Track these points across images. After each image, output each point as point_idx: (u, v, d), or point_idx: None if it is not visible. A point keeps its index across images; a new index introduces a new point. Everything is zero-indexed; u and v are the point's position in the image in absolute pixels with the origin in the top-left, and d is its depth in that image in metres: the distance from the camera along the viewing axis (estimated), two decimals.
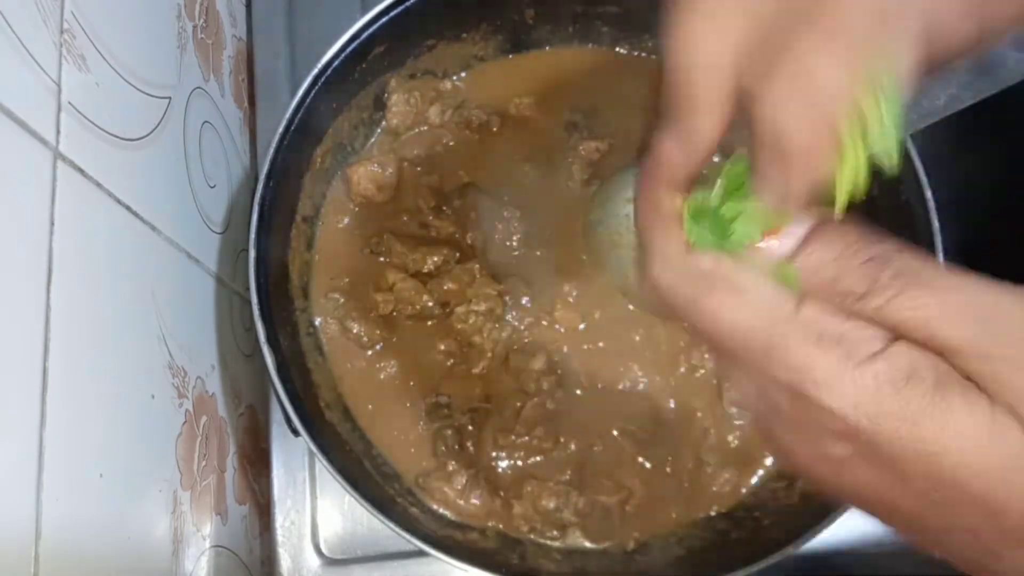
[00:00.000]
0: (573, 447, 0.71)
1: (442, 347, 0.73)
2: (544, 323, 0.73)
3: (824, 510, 0.60)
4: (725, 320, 0.31)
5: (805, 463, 0.32)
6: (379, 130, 0.78)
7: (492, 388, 0.71)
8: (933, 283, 0.29)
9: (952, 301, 0.28)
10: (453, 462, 0.69)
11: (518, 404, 0.69)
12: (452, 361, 0.73)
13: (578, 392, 0.71)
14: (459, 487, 0.69)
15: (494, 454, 0.71)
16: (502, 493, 0.70)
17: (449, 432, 0.70)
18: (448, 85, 0.79)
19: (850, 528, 0.74)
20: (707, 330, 0.32)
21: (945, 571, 0.31)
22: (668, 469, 0.71)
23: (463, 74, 0.80)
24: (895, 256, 0.30)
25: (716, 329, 0.32)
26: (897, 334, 0.29)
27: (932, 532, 0.30)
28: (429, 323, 0.73)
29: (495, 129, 0.78)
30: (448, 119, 0.78)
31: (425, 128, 0.78)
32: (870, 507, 0.31)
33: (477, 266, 0.73)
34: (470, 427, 0.70)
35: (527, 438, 0.70)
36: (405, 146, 0.78)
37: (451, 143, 0.78)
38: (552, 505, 0.68)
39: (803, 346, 0.29)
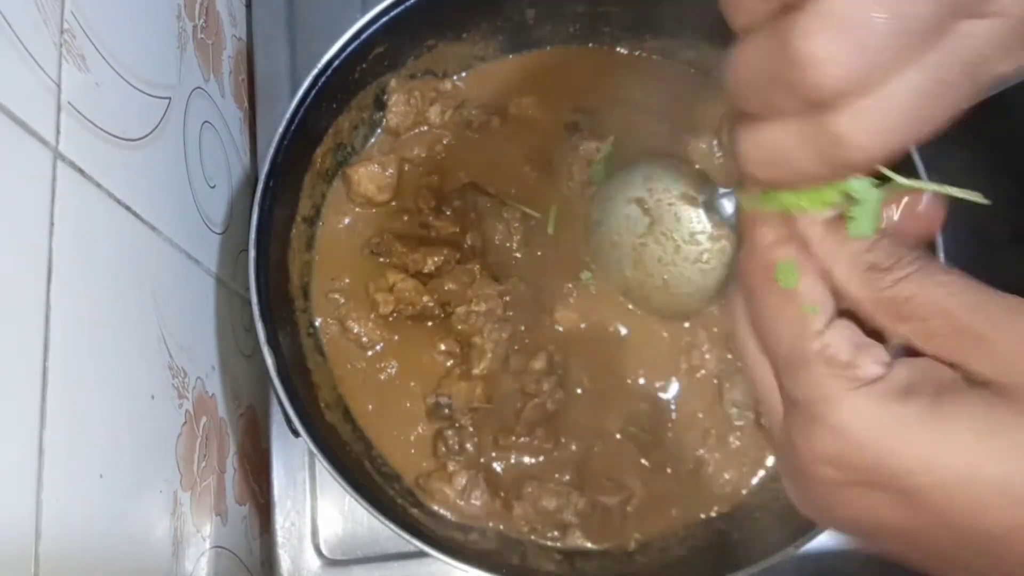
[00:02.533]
0: (574, 447, 0.71)
1: (442, 347, 0.73)
2: (544, 323, 0.73)
3: None
4: (766, 318, 0.33)
5: (799, 482, 0.33)
6: (379, 130, 0.78)
7: (492, 388, 0.71)
8: (947, 272, 0.31)
9: (960, 286, 0.30)
10: (453, 463, 0.69)
11: (518, 405, 0.69)
12: (452, 361, 0.73)
13: (578, 392, 0.71)
14: (459, 488, 0.69)
15: (494, 454, 0.71)
16: (502, 494, 0.69)
17: (450, 433, 0.70)
18: (448, 85, 0.79)
19: None
20: (753, 322, 0.34)
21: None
22: (669, 470, 0.71)
23: (463, 74, 0.80)
24: (912, 249, 0.32)
25: (758, 323, 0.33)
26: (911, 313, 0.30)
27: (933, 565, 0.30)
28: (429, 323, 0.73)
29: (495, 129, 0.78)
30: (448, 119, 0.78)
31: (425, 128, 0.78)
32: (860, 534, 0.32)
33: (477, 266, 0.73)
34: (470, 428, 0.70)
35: (527, 438, 0.70)
36: (405, 146, 0.78)
37: (451, 143, 0.78)
38: (552, 506, 0.68)
39: (817, 366, 0.30)
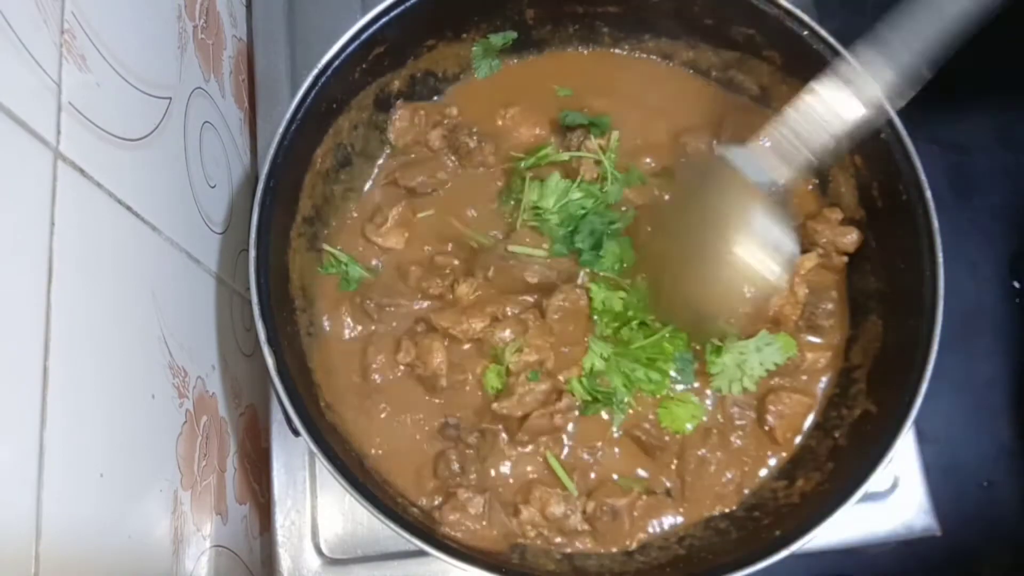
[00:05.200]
0: (579, 451, 0.71)
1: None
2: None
3: (824, 510, 0.60)
4: None
5: None
6: (386, 150, 0.79)
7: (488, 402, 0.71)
8: None
9: None
10: (465, 489, 0.68)
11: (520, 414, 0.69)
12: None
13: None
14: (476, 512, 0.68)
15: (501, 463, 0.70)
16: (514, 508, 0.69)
17: (453, 456, 0.69)
18: (454, 111, 0.79)
19: (850, 528, 0.74)
20: None
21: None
22: (673, 470, 0.71)
23: (462, 77, 0.80)
24: None
25: None
26: None
27: None
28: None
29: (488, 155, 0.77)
30: (446, 145, 0.78)
31: (425, 150, 0.78)
32: None
33: (531, 317, 0.71)
34: (472, 451, 0.70)
35: (532, 447, 0.70)
36: (407, 174, 0.77)
37: (451, 185, 0.77)
38: (560, 511, 0.68)
39: None
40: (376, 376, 0.71)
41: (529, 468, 0.70)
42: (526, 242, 0.73)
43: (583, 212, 0.72)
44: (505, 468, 0.71)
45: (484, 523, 0.67)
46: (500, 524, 0.68)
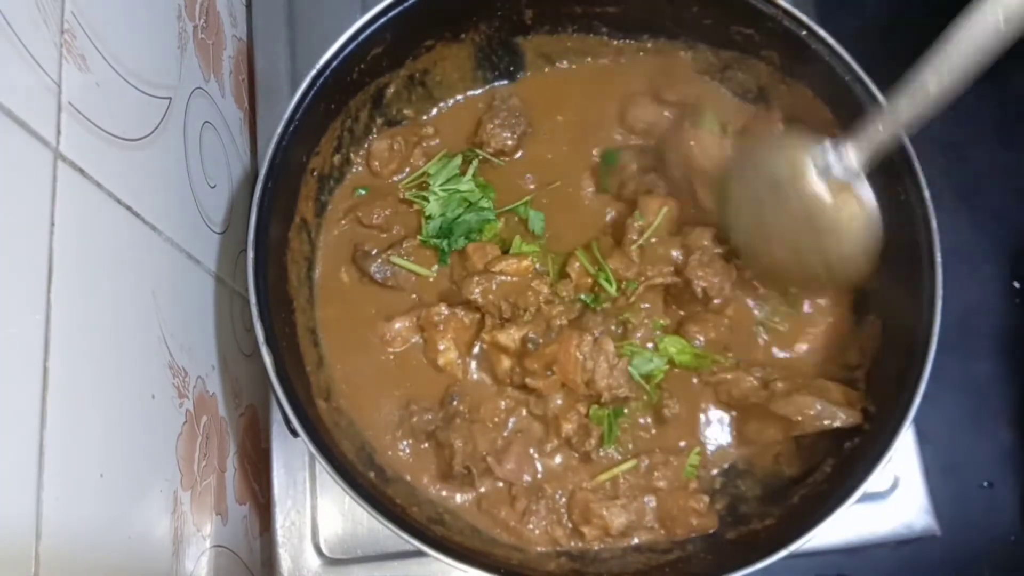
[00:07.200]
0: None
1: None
2: None
3: (824, 510, 0.60)
4: None
5: None
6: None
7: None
8: None
9: None
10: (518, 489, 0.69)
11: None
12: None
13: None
14: (519, 510, 0.69)
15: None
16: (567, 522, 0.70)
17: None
18: (430, 130, 0.79)
19: (850, 528, 0.74)
20: None
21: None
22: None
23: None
24: None
25: None
26: None
27: None
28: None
29: None
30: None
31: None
32: None
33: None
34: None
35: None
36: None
37: None
38: (623, 521, 0.68)
39: None
40: None
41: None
42: (411, 259, 0.74)
43: (466, 206, 0.74)
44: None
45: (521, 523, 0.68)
46: (541, 530, 0.69)
